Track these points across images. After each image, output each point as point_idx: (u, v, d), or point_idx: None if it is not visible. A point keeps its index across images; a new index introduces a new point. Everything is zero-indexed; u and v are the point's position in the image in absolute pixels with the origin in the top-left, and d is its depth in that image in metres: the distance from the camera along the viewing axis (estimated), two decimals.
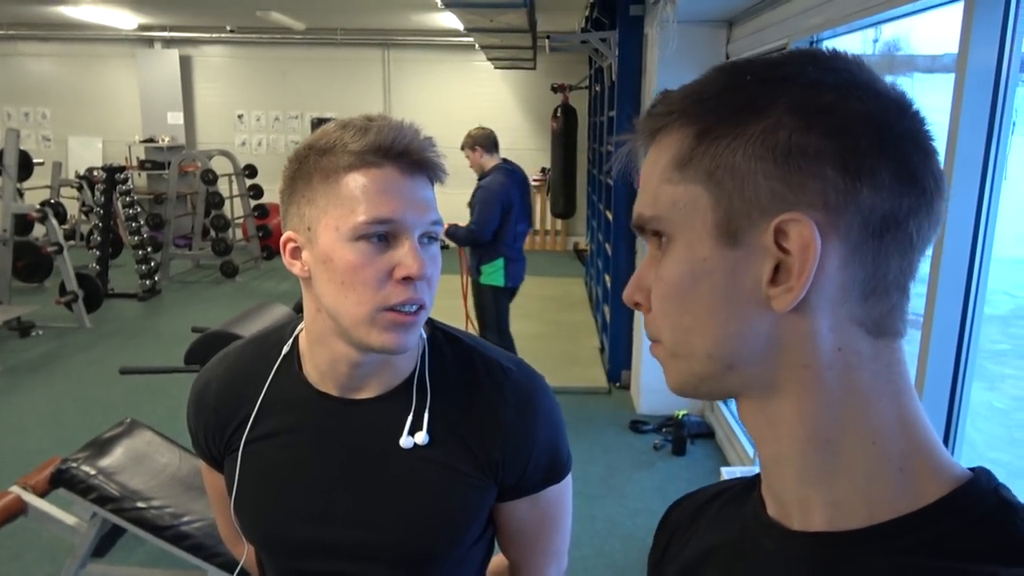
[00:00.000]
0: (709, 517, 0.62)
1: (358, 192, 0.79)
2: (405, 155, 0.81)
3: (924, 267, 0.48)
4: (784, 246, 0.45)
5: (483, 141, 3.98)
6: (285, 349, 0.95)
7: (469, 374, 0.93)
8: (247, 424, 0.93)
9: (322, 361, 0.90)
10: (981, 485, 0.45)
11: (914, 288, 0.48)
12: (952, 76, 1.73)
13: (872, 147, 0.44)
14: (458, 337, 0.97)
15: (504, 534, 0.99)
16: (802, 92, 0.45)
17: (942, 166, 0.47)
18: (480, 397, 0.91)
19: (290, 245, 0.86)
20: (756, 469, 0.62)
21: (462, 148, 4.03)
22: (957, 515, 0.44)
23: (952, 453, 1.81)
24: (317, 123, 8.85)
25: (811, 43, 2.82)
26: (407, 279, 0.80)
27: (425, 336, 0.94)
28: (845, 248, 0.44)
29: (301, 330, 0.95)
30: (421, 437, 0.89)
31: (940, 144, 0.48)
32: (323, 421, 0.92)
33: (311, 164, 0.82)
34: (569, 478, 0.97)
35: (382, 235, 0.80)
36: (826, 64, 0.47)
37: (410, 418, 0.89)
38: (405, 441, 0.89)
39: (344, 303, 0.81)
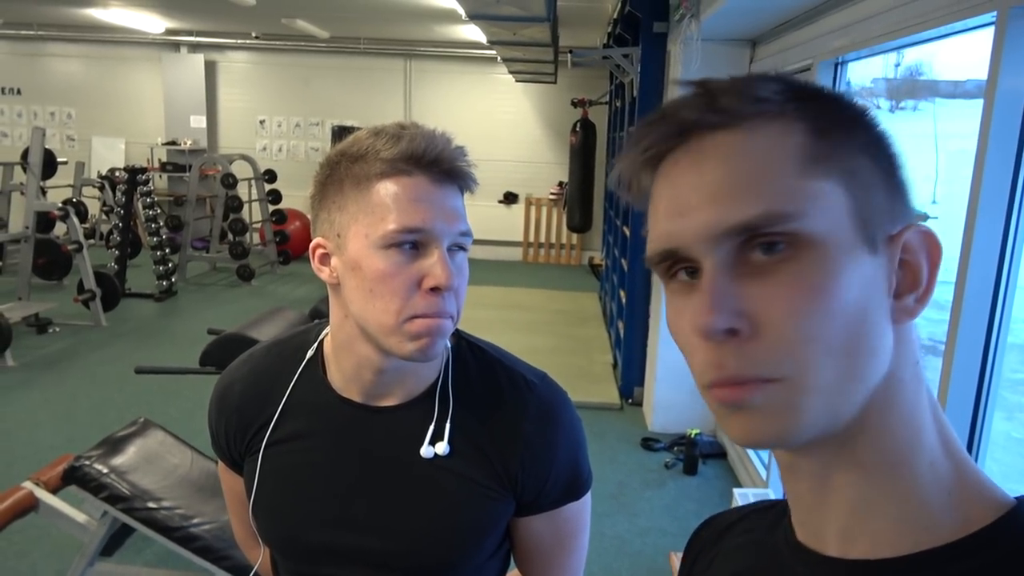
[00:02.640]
0: (735, 539, 0.60)
1: (389, 200, 0.79)
2: (436, 164, 0.81)
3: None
4: (906, 258, 0.45)
5: None
6: (310, 353, 0.95)
7: (492, 386, 0.92)
8: (269, 426, 0.93)
9: (347, 367, 0.90)
10: None
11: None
12: (975, 102, 1.71)
13: (903, 178, 0.47)
14: (483, 348, 0.97)
15: (520, 549, 0.98)
16: (870, 118, 0.47)
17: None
18: (502, 409, 0.91)
19: (319, 251, 0.86)
20: (768, 490, 0.60)
21: None
22: (1003, 544, 0.42)
23: None
24: (338, 131, 8.89)
25: (835, 65, 2.81)
26: (435, 289, 0.80)
27: (450, 346, 0.94)
28: None
29: (326, 334, 0.95)
30: (442, 447, 0.88)
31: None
32: (345, 427, 0.92)
33: (342, 170, 0.82)
34: (588, 496, 0.96)
35: (412, 244, 0.80)
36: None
37: (432, 428, 0.89)
38: (426, 451, 0.88)
39: (372, 311, 0.81)
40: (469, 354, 0.95)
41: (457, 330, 0.95)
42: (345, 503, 0.91)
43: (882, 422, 0.45)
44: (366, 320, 0.82)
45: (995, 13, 1.68)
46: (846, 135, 0.45)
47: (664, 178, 0.46)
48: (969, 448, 1.83)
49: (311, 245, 0.86)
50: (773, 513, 0.58)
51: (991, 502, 0.44)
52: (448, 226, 0.81)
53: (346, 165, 0.82)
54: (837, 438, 0.45)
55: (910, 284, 0.45)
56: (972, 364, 1.77)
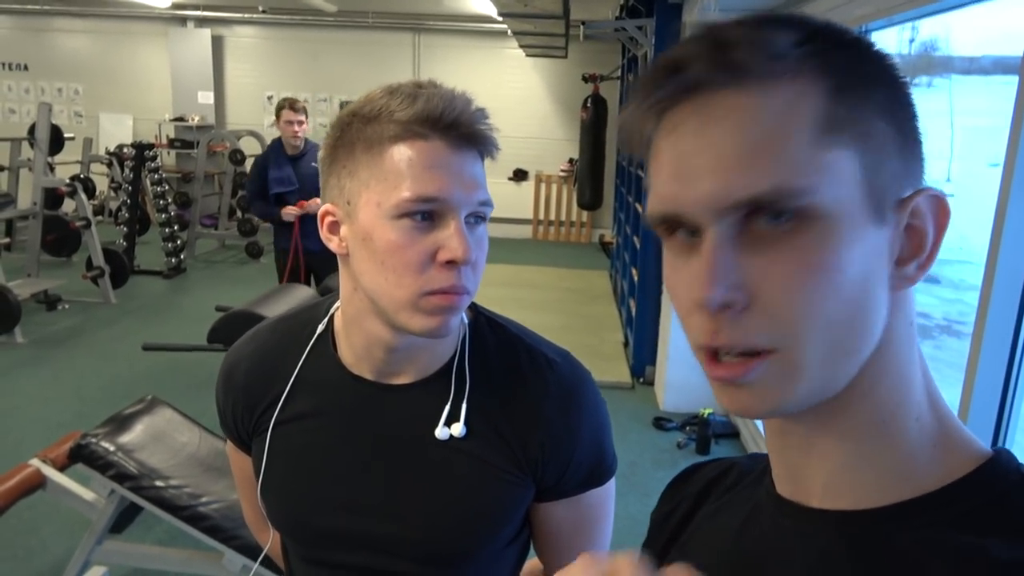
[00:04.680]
0: (718, 499, 0.60)
1: (403, 166, 0.74)
2: (455, 127, 0.74)
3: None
4: (913, 223, 0.44)
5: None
6: (320, 328, 0.90)
7: (511, 364, 0.87)
8: (277, 404, 0.89)
9: (357, 343, 0.85)
10: (1003, 463, 0.45)
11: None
12: (990, 79, 1.65)
13: (918, 138, 0.45)
14: (502, 324, 0.91)
15: (540, 536, 0.93)
16: (891, 69, 0.45)
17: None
18: (522, 389, 0.86)
19: (328, 219, 0.80)
20: None
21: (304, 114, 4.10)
22: (981, 491, 0.44)
23: None
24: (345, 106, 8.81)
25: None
26: (451, 263, 0.74)
27: (467, 321, 0.88)
28: None
29: (337, 309, 0.89)
30: (458, 429, 0.83)
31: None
32: (356, 406, 0.87)
33: (354, 132, 0.76)
34: (612, 482, 0.91)
35: (426, 214, 0.74)
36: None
37: (447, 408, 0.84)
38: (441, 432, 0.83)
39: (384, 284, 0.76)
40: (487, 330, 0.89)
41: (475, 304, 0.89)
42: (356, 486, 0.86)
43: (874, 385, 0.45)
44: (377, 294, 0.77)
45: None
46: (864, 94, 0.42)
47: (669, 133, 0.44)
48: (997, 429, 1.78)
49: (319, 212, 0.81)
50: (758, 468, 0.58)
51: (971, 453, 0.45)
52: (466, 195, 0.75)
53: (358, 126, 0.76)
54: (829, 404, 0.45)
55: (914, 250, 0.44)
56: (1002, 344, 1.72)
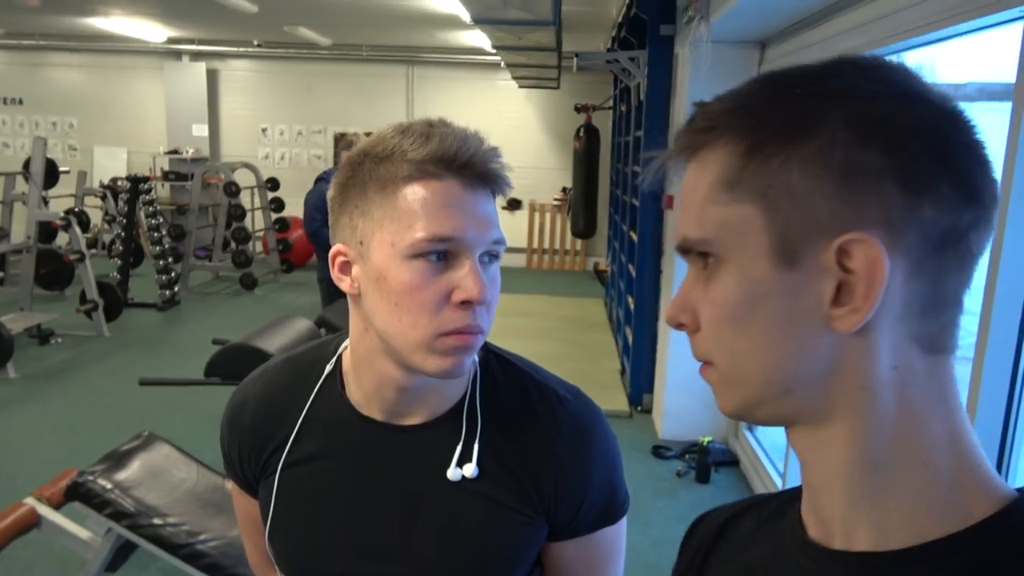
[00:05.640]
0: (740, 533, 0.60)
1: (417, 206, 0.73)
2: (469, 167, 0.75)
3: (968, 297, 0.46)
4: (847, 266, 0.44)
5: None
6: (328, 368, 0.89)
7: (522, 402, 0.86)
8: (285, 446, 0.87)
9: (367, 383, 0.84)
10: None
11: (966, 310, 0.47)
12: (975, 105, 1.68)
13: (931, 161, 0.43)
14: (512, 361, 0.91)
15: None
16: (857, 106, 0.44)
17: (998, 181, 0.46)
18: (533, 427, 0.85)
19: (339, 259, 0.79)
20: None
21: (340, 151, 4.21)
22: (1004, 534, 0.43)
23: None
24: (341, 138, 8.87)
25: None
26: (466, 303, 0.74)
27: (477, 359, 0.88)
28: (908, 265, 0.44)
29: (345, 348, 0.89)
30: (470, 469, 0.82)
31: (996, 167, 0.46)
32: (366, 447, 0.86)
33: (366, 172, 0.76)
34: (624, 520, 0.90)
35: (441, 253, 0.74)
36: (876, 74, 0.46)
37: (459, 448, 0.83)
38: (453, 473, 0.82)
39: (397, 325, 0.75)
40: (498, 368, 0.89)
41: (485, 343, 0.89)
42: (367, 529, 0.85)
43: (854, 425, 0.46)
44: (390, 335, 0.76)
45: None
46: (781, 150, 0.45)
47: None
48: (1000, 453, 1.78)
49: (330, 253, 0.80)
50: (774, 506, 0.59)
51: (994, 495, 0.45)
52: (480, 234, 0.75)
53: (370, 166, 0.76)
54: (807, 429, 0.48)
55: (848, 295, 0.44)
56: (1003, 370, 1.72)
